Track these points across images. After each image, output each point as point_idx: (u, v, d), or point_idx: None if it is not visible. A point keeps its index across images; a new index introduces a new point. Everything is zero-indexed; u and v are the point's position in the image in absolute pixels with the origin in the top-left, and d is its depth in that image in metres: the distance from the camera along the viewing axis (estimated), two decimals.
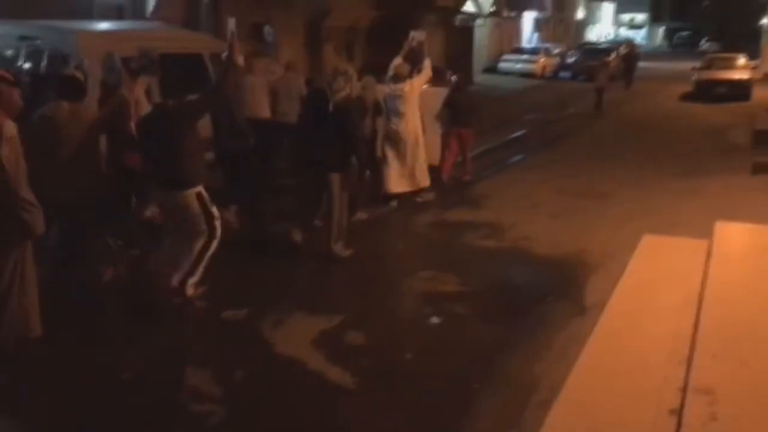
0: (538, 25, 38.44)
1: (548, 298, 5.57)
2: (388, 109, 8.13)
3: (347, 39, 20.10)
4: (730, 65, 22.65)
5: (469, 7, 28.00)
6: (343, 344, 4.70)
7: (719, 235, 5.51)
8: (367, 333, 4.88)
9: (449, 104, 9.30)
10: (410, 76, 8.24)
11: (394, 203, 8.25)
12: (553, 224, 7.76)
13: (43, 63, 7.61)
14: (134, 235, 5.85)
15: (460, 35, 25.99)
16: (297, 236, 6.42)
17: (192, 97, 5.13)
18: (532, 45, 33.81)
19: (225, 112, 6.74)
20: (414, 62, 8.48)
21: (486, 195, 9.06)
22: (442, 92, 9.49)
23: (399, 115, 8.12)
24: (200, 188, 5.00)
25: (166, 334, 4.84)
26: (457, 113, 9.24)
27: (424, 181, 8.49)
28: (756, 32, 40.07)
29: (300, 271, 6.16)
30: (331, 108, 6.05)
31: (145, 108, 5.64)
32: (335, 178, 6.07)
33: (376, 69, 9.00)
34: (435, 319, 5.17)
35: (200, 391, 4.05)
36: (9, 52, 8.15)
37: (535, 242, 7.04)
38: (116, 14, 13.10)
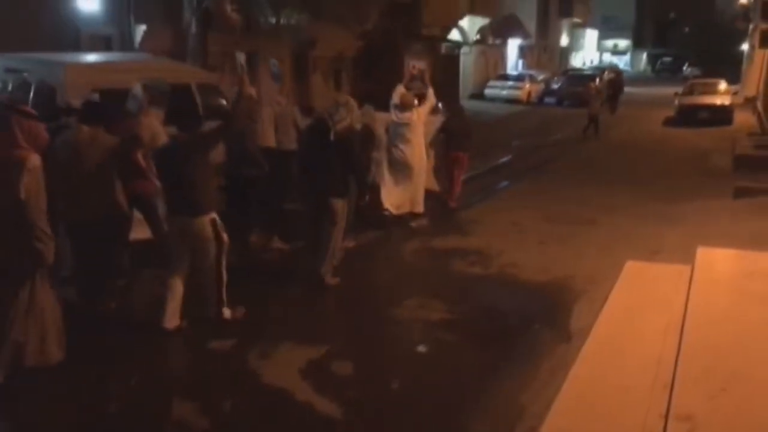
0: (523, 52, 38.99)
1: (535, 325, 5.61)
2: (395, 136, 8.48)
3: (334, 68, 20.32)
4: (712, 90, 23.05)
5: (454, 36, 28.44)
6: (331, 374, 4.71)
7: (701, 261, 5.60)
8: (354, 362, 4.90)
9: (445, 129, 9.51)
10: (416, 104, 8.60)
11: (421, 221, 8.70)
12: (540, 251, 7.82)
13: (30, 95, 7.68)
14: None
15: (447, 63, 26.35)
16: (305, 259, 6.67)
17: (206, 129, 5.47)
18: (517, 72, 34.26)
19: (239, 141, 6.95)
20: (416, 90, 8.86)
21: (474, 221, 9.13)
22: (437, 120, 9.67)
23: (406, 142, 8.49)
24: (214, 215, 5.25)
25: (153, 365, 4.83)
26: (454, 138, 9.48)
27: (420, 206, 8.81)
28: (736, 57, 40.90)
29: (287, 299, 6.18)
30: (332, 137, 6.25)
31: (163, 138, 5.86)
32: (337, 204, 6.25)
33: (364, 97, 9.25)
34: (422, 348, 5.20)
35: (187, 422, 4.05)
36: None
37: (521, 269, 7.09)
38: (104, 45, 13.23)
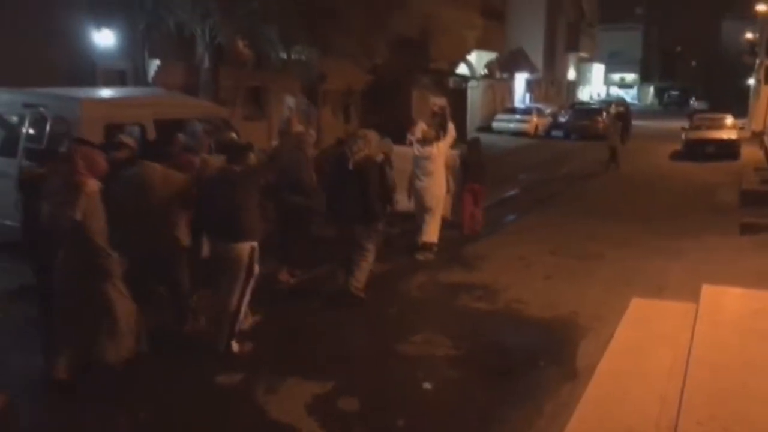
0: (530, 85, 39.37)
1: (540, 362, 5.62)
2: (417, 169, 8.88)
3: (343, 101, 20.60)
4: (719, 125, 23.18)
5: (462, 70, 28.79)
6: (336, 410, 4.73)
7: (706, 299, 5.62)
8: (360, 398, 4.92)
9: (463, 162, 10.04)
10: (437, 139, 8.93)
11: (428, 254, 8.89)
12: (546, 286, 7.85)
13: (47, 129, 7.85)
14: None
15: (454, 96, 26.53)
16: (341, 279, 7.13)
17: (254, 162, 5.92)
18: (525, 105, 34.56)
19: (291, 173, 7.35)
20: (437, 126, 9.17)
21: (480, 255, 9.17)
22: (455, 154, 10.08)
23: (428, 174, 8.84)
24: (255, 244, 5.53)
25: (159, 399, 4.88)
26: (471, 171, 10.00)
27: (435, 236, 9.05)
28: (744, 91, 41.12)
29: (294, 331, 6.23)
30: (351, 166, 6.69)
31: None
32: (359, 230, 6.76)
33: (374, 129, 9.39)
34: (427, 384, 5.22)
35: None
36: (14, 119, 8.40)
37: (528, 304, 7.12)
38: (119, 79, 13.51)
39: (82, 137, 5.36)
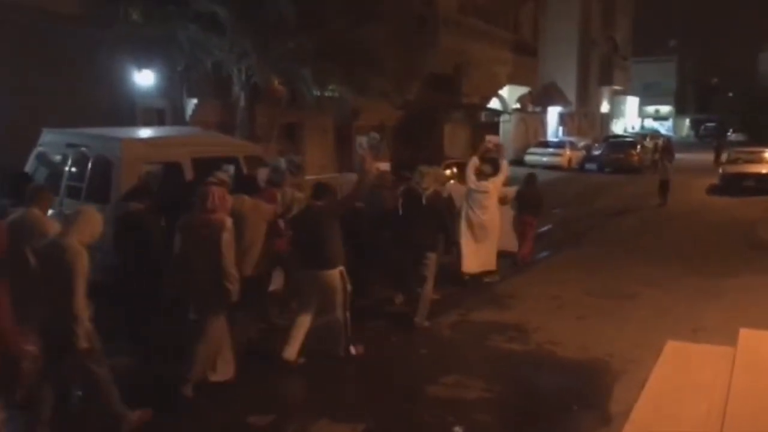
0: (563, 119, 39.30)
1: (573, 407, 5.55)
2: (472, 203, 9.35)
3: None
4: (757, 159, 22.77)
5: (494, 104, 28.92)
6: None
7: (744, 344, 5.50)
8: None
9: (518, 197, 10.72)
10: (493, 174, 9.56)
11: (467, 278, 9.37)
12: (579, 326, 7.76)
13: (88, 169, 8.11)
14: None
15: (486, 130, 26.69)
16: (399, 300, 8.00)
17: (336, 197, 6.76)
18: (558, 138, 34.46)
19: (375, 207, 8.15)
20: (492, 162, 9.86)
21: (512, 294, 9.10)
22: (511, 190, 10.79)
23: (483, 208, 9.32)
24: (342, 268, 6.23)
25: None
26: (525, 204, 10.66)
27: (493, 264, 9.61)
28: None
29: (325, 372, 6.25)
30: (424, 201, 7.50)
31: (301, 204, 7.04)
32: (431, 257, 7.50)
33: (407, 164, 10.10)
34: (458, 429, 5.17)
35: None
36: (57, 158, 8.70)
37: (560, 346, 7.04)
38: (157, 117, 13.92)
39: (214, 179, 6.10)
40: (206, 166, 8.71)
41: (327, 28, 12.43)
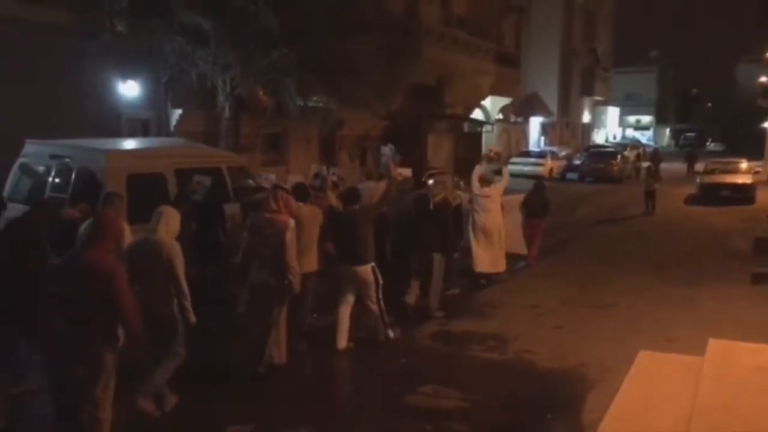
0: (545, 129, 39.74)
1: (548, 415, 5.70)
2: (477, 207, 10.14)
3: (359, 146, 20.99)
4: (733, 169, 23.21)
5: (477, 114, 29.21)
6: None
7: (712, 354, 5.69)
8: None
9: (525, 203, 11.75)
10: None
11: (483, 281, 10.21)
12: (556, 335, 7.93)
13: (72, 179, 8.17)
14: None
15: (469, 140, 26.99)
16: (411, 300, 8.52)
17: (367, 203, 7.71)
18: (539, 148, 34.82)
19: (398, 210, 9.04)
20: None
21: (492, 303, 9.26)
22: (518, 198, 11.91)
23: (486, 211, 10.09)
24: (373, 264, 7.15)
25: None
26: (533, 209, 11.68)
27: (502, 265, 10.38)
28: (760, 134, 41.06)
29: (304, 381, 6.36)
30: (432, 206, 8.39)
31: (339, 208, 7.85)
32: (437, 258, 8.34)
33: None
34: None
35: None
36: (41, 169, 8.74)
37: (537, 355, 7.20)
38: (142, 127, 13.98)
39: (279, 184, 7.08)
40: (190, 177, 8.88)
41: (310, 40, 12.58)
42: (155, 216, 5.40)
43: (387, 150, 11.40)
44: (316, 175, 9.85)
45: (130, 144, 9.98)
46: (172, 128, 14.00)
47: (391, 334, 7.35)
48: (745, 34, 62.51)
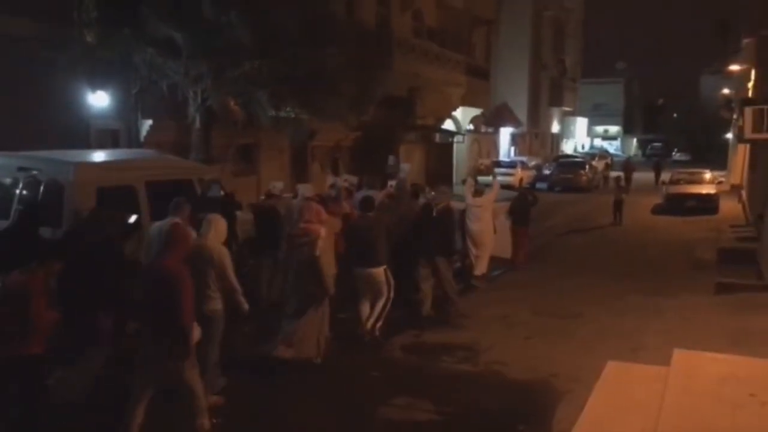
0: (515, 139, 40.22)
1: (519, 427, 5.80)
2: (470, 216, 11.01)
3: (331, 156, 21.03)
4: (698, 179, 23.78)
5: (448, 125, 29.45)
6: None
7: (677, 364, 5.83)
8: None
9: (511, 211, 12.76)
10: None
11: (476, 284, 10.94)
12: (527, 346, 8.06)
13: (40, 192, 8.06)
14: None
15: (440, 150, 27.22)
16: (426, 308, 9.02)
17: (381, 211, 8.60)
18: (510, 158, 35.21)
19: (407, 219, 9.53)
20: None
21: (465, 314, 9.30)
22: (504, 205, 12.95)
23: (479, 219, 10.98)
24: (385, 266, 7.84)
25: None
26: (518, 216, 12.70)
27: (484, 269, 11.23)
28: (724, 143, 42.12)
29: (277, 393, 6.36)
30: (435, 213, 9.06)
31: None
32: (441, 261, 8.98)
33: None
34: None
35: None
36: (8, 182, 8.59)
37: (508, 366, 7.31)
38: (111, 138, 13.82)
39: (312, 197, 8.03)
40: (160, 189, 8.82)
41: (282, 52, 12.59)
42: (204, 224, 6.08)
43: (406, 167, 13.32)
44: (332, 186, 10.88)
45: (99, 156, 9.87)
46: (142, 139, 13.86)
47: (377, 333, 7.89)
48: (707, 46, 64.10)
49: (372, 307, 7.96)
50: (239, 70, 12.60)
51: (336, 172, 21.02)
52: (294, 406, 6.25)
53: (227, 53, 12.19)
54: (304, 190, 9.92)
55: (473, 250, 10.97)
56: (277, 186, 10.27)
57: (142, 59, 12.07)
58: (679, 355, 6.05)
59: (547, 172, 32.46)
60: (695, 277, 12.05)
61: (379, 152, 20.96)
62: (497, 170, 30.84)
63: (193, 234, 6.39)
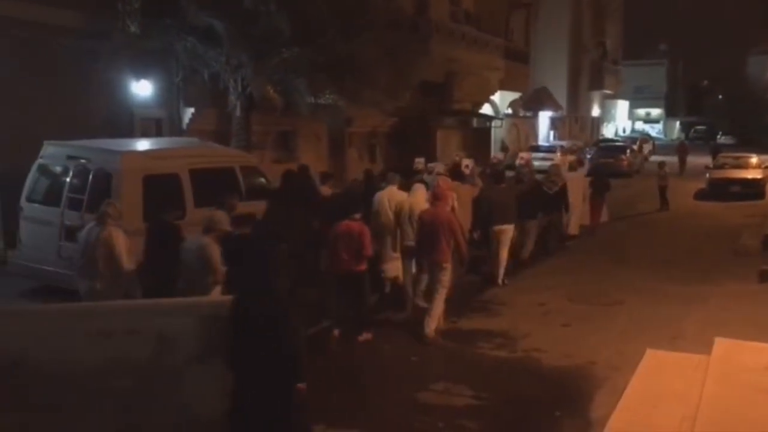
0: (554, 123, 39.68)
1: (556, 413, 5.83)
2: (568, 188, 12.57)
3: (368, 143, 21.12)
4: (744, 164, 23.14)
5: (486, 109, 29.24)
6: None
7: (717, 353, 5.80)
8: None
9: (591, 184, 14.76)
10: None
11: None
12: (564, 334, 8.05)
13: (89, 180, 8.34)
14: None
15: (478, 135, 27.06)
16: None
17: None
18: (549, 143, 34.79)
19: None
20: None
21: (500, 302, 9.36)
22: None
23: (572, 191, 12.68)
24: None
25: None
26: (595, 189, 14.95)
27: (575, 230, 13.59)
28: None
29: (320, 377, 6.50)
30: (558, 189, 11.18)
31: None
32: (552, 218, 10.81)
33: (401, 172, 10.91)
34: None
35: None
36: (58, 170, 8.92)
37: (545, 353, 7.33)
38: (155, 126, 14.15)
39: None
40: (203, 176, 9.05)
41: (320, 40, 12.70)
42: (206, 219, 6.32)
43: (439, 168, 13.10)
44: (467, 166, 13.43)
45: (145, 145, 10.14)
46: (184, 127, 14.17)
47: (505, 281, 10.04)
48: (755, 25, 62.15)
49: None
50: (278, 58, 12.77)
51: (373, 159, 21.21)
52: (334, 386, 6.39)
53: (266, 41, 12.36)
54: (437, 167, 11.90)
55: (566, 216, 12.81)
56: (420, 161, 12.38)
57: (184, 48, 12.31)
58: (719, 344, 6.01)
59: (588, 156, 31.95)
60: (739, 264, 11.78)
61: (416, 138, 20.99)
62: (536, 154, 30.59)
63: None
